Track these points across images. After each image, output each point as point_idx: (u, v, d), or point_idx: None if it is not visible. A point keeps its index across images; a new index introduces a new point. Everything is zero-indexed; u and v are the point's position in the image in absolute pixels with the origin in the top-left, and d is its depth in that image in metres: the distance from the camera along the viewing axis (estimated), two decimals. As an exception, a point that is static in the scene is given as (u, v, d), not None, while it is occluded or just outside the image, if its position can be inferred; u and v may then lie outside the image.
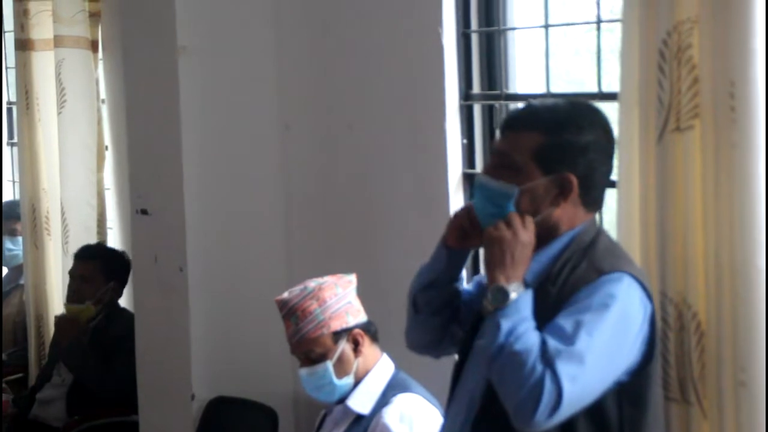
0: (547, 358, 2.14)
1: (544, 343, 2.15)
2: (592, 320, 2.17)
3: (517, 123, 2.36)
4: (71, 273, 4.97)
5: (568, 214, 2.32)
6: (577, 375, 2.14)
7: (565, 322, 2.18)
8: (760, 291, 2.43)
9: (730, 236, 2.47)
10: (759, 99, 2.41)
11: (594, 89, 3.25)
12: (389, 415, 3.08)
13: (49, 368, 4.98)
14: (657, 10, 2.60)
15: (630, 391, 2.24)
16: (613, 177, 2.82)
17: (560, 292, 2.25)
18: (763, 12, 2.42)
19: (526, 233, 2.27)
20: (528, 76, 3.62)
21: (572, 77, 3.77)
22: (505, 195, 2.30)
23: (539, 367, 2.13)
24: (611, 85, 3.11)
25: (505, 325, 2.19)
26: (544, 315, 2.23)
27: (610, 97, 3.03)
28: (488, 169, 2.36)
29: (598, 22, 3.23)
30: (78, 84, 5.52)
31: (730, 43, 2.45)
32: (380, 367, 3.20)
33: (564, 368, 2.13)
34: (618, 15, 2.86)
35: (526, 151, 2.29)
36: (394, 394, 3.10)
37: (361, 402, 3.17)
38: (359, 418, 3.16)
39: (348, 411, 3.18)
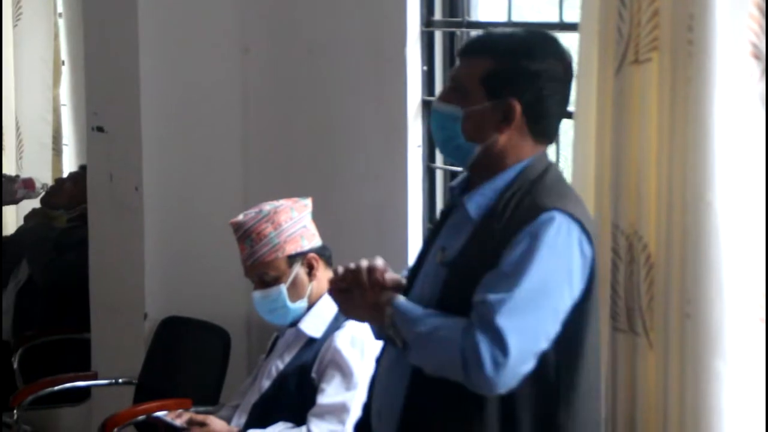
0: (481, 317, 2.15)
1: (483, 303, 2.16)
2: (527, 265, 2.17)
3: (471, 48, 2.38)
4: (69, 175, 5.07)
5: (514, 143, 2.31)
6: (518, 321, 2.15)
7: (503, 270, 2.19)
8: (708, 225, 2.45)
9: (682, 170, 2.49)
10: (716, 33, 2.41)
11: (555, 19, 3.24)
12: (341, 339, 3.10)
13: (6, 273, 4.97)
14: (620, -59, 2.58)
15: (565, 336, 2.23)
16: (570, 108, 2.83)
17: (504, 230, 2.24)
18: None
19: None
20: (490, 3, 3.60)
21: (534, 6, 3.75)
22: (453, 117, 2.32)
23: (459, 332, 2.16)
24: (573, 15, 3.10)
25: (411, 333, 2.24)
26: (487, 252, 2.23)
27: (571, 27, 3.03)
28: (441, 94, 2.38)
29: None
30: (35, -4, 5.43)
31: (691, -24, 2.44)
32: (333, 291, 3.21)
33: (504, 321, 2.14)
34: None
35: (475, 75, 2.30)
36: (347, 319, 3.11)
37: (313, 325, 3.18)
38: (311, 341, 3.17)
39: (300, 334, 3.20)
